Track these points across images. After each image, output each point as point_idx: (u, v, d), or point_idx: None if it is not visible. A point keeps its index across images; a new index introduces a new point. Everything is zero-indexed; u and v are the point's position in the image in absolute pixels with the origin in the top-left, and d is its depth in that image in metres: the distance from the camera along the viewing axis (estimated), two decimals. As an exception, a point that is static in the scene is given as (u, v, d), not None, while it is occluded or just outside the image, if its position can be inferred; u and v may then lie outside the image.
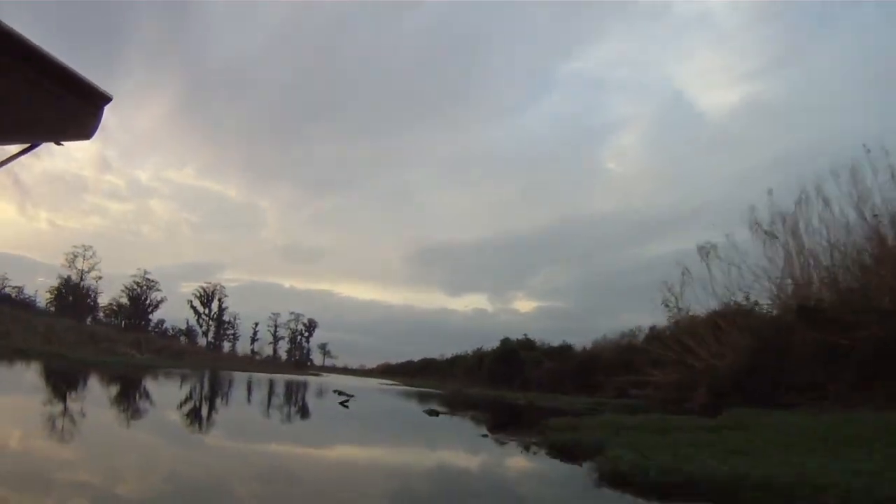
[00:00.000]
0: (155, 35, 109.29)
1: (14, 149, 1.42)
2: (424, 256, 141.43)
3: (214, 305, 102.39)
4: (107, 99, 1.24)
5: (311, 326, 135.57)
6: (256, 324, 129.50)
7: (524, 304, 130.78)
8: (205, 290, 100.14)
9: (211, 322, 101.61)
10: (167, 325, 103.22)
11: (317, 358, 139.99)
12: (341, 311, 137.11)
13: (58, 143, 1.55)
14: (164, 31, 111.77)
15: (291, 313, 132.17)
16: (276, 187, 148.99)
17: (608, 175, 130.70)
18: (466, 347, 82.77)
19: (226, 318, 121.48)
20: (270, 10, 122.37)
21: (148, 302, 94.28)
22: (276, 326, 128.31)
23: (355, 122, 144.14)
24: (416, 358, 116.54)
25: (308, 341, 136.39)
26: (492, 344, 69.21)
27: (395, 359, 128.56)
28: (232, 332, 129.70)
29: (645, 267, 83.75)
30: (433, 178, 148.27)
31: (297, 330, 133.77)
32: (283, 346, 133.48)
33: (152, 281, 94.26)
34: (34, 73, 1.07)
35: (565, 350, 56.19)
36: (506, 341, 64.51)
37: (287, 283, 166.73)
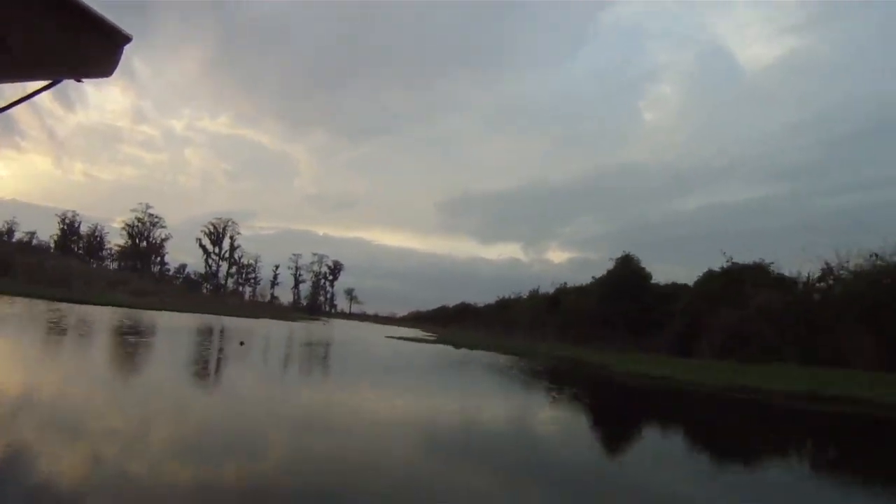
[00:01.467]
0: None
1: (36, 85, 1.37)
2: (458, 205, 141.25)
3: (226, 244, 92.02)
4: (127, 38, 1.23)
5: (335, 269, 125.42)
6: (277, 266, 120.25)
7: (557, 255, 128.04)
8: (214, 227, 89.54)
9: (221, 262, 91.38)
10: (189, 269, 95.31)
11: (342, 304, 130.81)
12: (374, 259, 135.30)
13: (78, 80, 1.37)
14: None
15: (314, 254, 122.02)
16: (310, 135, 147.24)
17: (644, 125, 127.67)
18: (500, 295, 72.86)
19: (244, 259, 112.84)
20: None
21: (152, 240, 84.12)
22: (296, 268, 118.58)
23: (392, 71, 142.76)
24: (451, 304, 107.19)
25: (332, 285, 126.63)
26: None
27: (427, 307, 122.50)
28: (253, 275, 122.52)
29: (677, 221, 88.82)
30: (469, 128, 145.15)
31: (320, 273, 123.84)
32: (307, 291, 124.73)
33: (156, 217, 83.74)
34: (56, 8, 1.05)
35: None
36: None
37: (321, 231, 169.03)
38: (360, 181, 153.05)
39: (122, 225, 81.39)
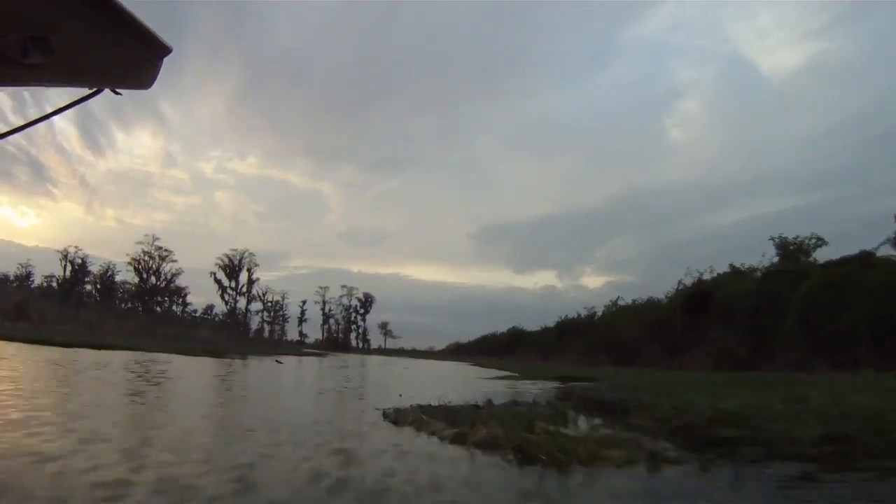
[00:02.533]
0: (211, 27, 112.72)
1: (75, 93, 1.36)
2: (490, 234, 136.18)
3: (243, 277, 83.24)
4: (167, 50, 1.25)
5: (366, 302, 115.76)
6: (304, 302, 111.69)
7: (592, 280, 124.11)
8: (230, 259, 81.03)
9: (239, 296, 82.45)
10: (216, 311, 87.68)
11: (376, 339, 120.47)
12: (409, 293, 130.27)
13: (116, 92, 1.36)
14: (219, 23, 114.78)
15: (343, 287, 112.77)
16: (338, 171, 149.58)
17: (672, 142, 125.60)
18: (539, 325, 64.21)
19: (268, 296, 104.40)
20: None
21: (162, 276, 75.86)
22: (323, 302, 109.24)
23: (416, 99, 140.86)
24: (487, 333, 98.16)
25: (364, 319, 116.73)
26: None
27: (464, 338, 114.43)
28: (281, 313, 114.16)
29: (712, 236, 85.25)
30: (496, 153, 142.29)
31: (350, 306, 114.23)
32: (339, 327, 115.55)
33: (165, 251, 75.65)
34: (100, 13, 1.09)
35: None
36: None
37: (355, 268, 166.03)
38: (391, 215, 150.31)
39: (129, 259, 73.16)
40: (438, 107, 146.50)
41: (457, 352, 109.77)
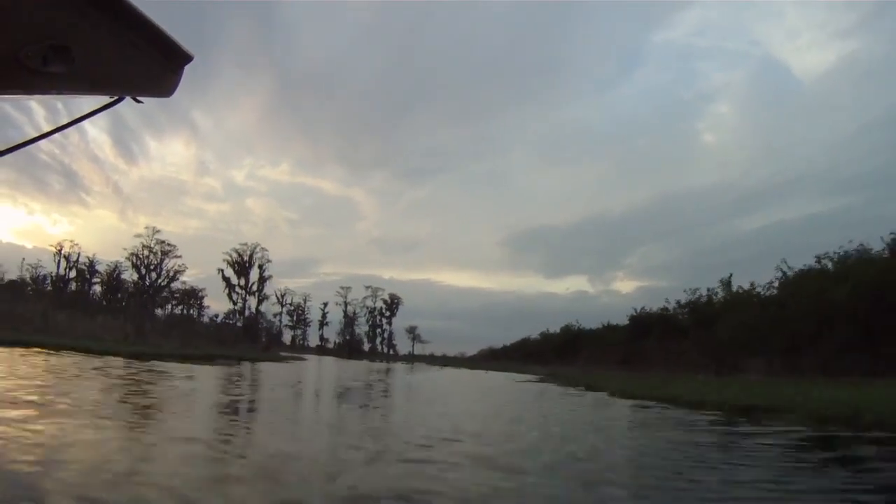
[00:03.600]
0: (244, 37, 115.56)
1: (97, 101, 1.39)
2: (522, 240, 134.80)
3: (254, 275, 73.79)
4: (189, 58, 1.28)
5: (392, 304, 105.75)
6: (325, 305, 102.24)
7: (624, 285, 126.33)
8: (239, 255, 71.64)
9: (248, 296, 72.96)
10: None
11: (403, 344, 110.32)
12: (441, 299, 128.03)
13: (137, 100, 1.38)
14: (252, 32, 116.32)
15: (368, 287, 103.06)
16: (370, 178, 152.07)
17: (704, 146, 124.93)
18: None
19: (287, 298, 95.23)
20: (356, 3, 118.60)
21: (163, 273, 66.70)
22: (345, 304, 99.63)
23: (447, 108, 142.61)
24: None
25: (390, 323, 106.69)
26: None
27: (496, 344, 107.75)
28: (304, 317, 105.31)
29: (745, 241, 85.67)
30: (527, 160, 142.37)
31: (374, 308, 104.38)
32: (363, 332, 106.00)
33: (168, 245, 66.54)
34: (122, 22, 1.13)
35: None
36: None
37: (386, 275, 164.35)
38: (423, 221, 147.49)
39: (126, 255, 64.21)
40: (469, 116, 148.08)
41: (492, 357, 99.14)
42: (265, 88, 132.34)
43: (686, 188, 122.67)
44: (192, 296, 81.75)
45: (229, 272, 71.18)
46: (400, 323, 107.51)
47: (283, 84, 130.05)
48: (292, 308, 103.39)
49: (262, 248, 73.93)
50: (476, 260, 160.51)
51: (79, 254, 70.31)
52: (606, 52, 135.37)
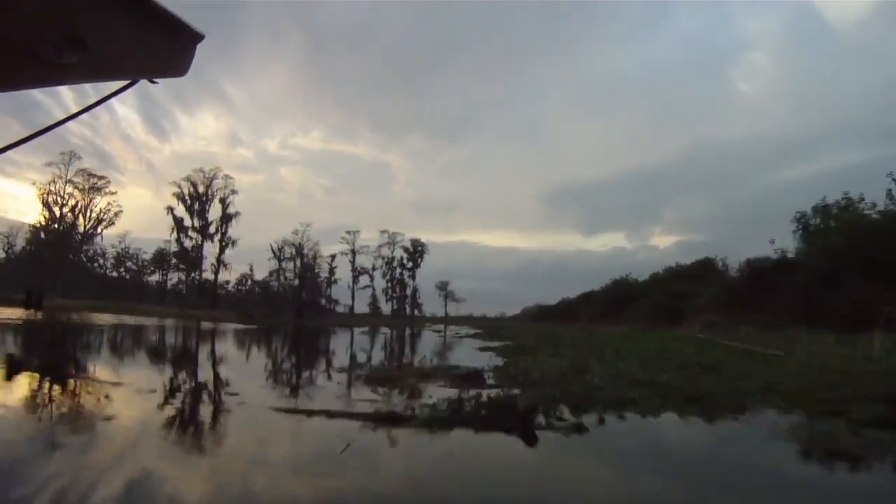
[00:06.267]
0: (269, 5, 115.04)
1: (112, 86, 1.41)
2: (558, 197, 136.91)
3: (213, 211, 58.73)
4: (199, 37, 1.33)
5: (415, 252, 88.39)
6: (333, 257, 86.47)
7: (662, 240, 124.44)
8: (192, 186, 56.60)
9: (205, 240, 58.10)
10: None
11: (432, 303, 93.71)
12: (478, 261, 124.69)
13: (152, 81, 1.43)
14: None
15: (383, 232, 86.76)
16: (404, 141, 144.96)
17: (740, 96, 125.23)
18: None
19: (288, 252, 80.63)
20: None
21: (90, 217, 53.41)
22: (353, 253, 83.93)
23: (479, 62, 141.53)
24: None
25: (413, 276, 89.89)
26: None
27: (538, 302, 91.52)
28: (313, 273, 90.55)
29: (782, 192, 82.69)
30: (561, 114, 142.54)
31: (392, 259, 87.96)
32: (379, 286, 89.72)
33: (99, 178, 53.28)
34: (132, 8, 1.18)
35: None
36: None
37: (423, 238, 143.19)
38: (459, 182, 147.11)
39: (39, 191, 51.41)
40: (502, 69, 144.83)
41: (540, 317, 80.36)
42: (293, 54, 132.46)
43: (722, 139, 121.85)
44: (129, 258, 65.50)
45: (180, 210, 56.34)
46: (423, 275, 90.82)
47: (311, 48, 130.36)
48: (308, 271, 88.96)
49: (226, 176, 58.37)
50: (512, 219, 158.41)
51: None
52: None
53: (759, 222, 71.15)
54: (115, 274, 63.44)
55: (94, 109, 1.52)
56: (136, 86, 1.39)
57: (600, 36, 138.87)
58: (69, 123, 1.48)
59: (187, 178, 55.76)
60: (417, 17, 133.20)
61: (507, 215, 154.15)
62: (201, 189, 55.99)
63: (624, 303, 45.33)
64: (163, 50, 1.29)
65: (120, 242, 60.62)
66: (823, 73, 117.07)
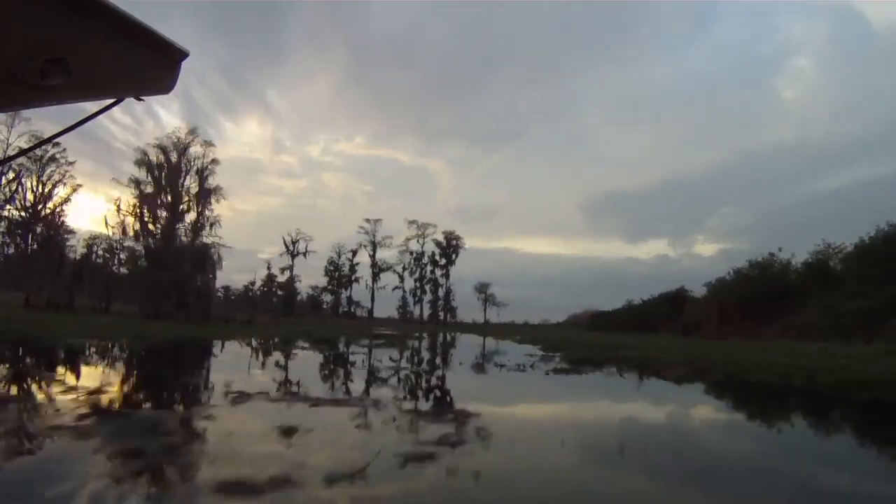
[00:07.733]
0: (314, 10, 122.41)
1: (100, 104, 1.47)
2: (601, 204, 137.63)
3: (190, 187, 49.53)
4: (184, 54, 1.37)
5: (448, 248, 77.27)
6: (354, 252, 77.06)
7: (706, 248, 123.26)
8: (163, 151, 46.69)
9: (178, 223, 48.73)
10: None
11: (470, 308, 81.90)
12: (521, 269, 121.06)
13: (138, 99, 1.49)
14: (322, 9, 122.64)
15: (412, 223, 76.49)
16: (446, 148, 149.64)
17: (784, 103, 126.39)
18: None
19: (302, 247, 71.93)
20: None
21: (42, 195, 46.42)
22: (373, 245, 74.17)
23: (522, 71, 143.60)
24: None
25: (446, 276, 78.55)
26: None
27: (580, 310, 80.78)
28: (337, 274, 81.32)
29: (828, 200, 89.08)
30: (604, 122, 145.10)
31: (422, 254, 77.11)
32: (409, 288, 79.10)
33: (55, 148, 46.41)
34: (115, 29, 1.19)
35: None
36: None
37: (466, 244, 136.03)
38: (501, 189, 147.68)
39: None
40: (545, 78, 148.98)
41: (595, 325, 66.46)
42: (337, 62, 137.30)
43: (766, 147, 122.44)
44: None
45: (148, 185, 47.59)
46: (457, 274, 79.47)
47: (355, 56, 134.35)
48: (332, 268, 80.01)
49: (206, 143, 48.70)
50: (554, 226, 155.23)
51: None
52: (683, 9, 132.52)
53: (804, 230, 70.54)
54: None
55: (73, 129, 1.50)
56: (114, 105, 1.36)
57: (644, 46, 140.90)
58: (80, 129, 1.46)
59: (154, 143, 46.50)
60: (461, 29, 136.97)
61: (548, 222, 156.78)
62: (174, 158, 46.61)
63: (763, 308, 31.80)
64: (148, 68, 1.28)
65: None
66: (868, 79, 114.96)
